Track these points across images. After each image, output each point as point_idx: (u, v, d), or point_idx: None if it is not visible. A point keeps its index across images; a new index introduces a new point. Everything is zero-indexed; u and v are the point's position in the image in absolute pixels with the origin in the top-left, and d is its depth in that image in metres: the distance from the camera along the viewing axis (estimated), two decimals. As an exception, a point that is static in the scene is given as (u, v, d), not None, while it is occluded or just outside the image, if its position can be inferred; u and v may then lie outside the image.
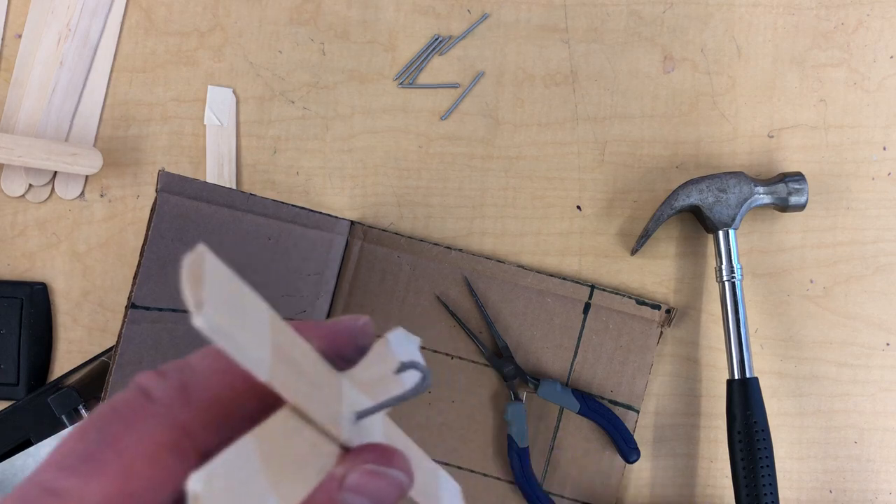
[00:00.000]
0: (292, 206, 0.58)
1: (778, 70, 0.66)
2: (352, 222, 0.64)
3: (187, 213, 0.49)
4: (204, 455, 0.23)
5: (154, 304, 0.47)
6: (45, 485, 0.22)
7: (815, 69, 0.66)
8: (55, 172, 0.65)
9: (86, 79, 0.66)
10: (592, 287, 0.64)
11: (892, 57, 0.66)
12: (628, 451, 0.61)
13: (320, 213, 0.61)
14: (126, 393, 0.24)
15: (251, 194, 0.54)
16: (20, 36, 0.66)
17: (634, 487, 0.64)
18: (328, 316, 0.64)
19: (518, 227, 0.66)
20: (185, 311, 0.50)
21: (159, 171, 0.46)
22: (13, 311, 0.63)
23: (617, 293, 0.64)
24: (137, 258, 0.46)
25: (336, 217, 0.63)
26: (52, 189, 0.65)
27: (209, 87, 0.66)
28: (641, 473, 0.64)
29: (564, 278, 0.64)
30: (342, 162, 0.66)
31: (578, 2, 0.67)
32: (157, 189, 0.46)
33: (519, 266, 0.64)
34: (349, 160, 0.66)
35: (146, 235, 0.46)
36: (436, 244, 0.64)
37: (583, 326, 0.64)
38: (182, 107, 0.66)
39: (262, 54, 0.67)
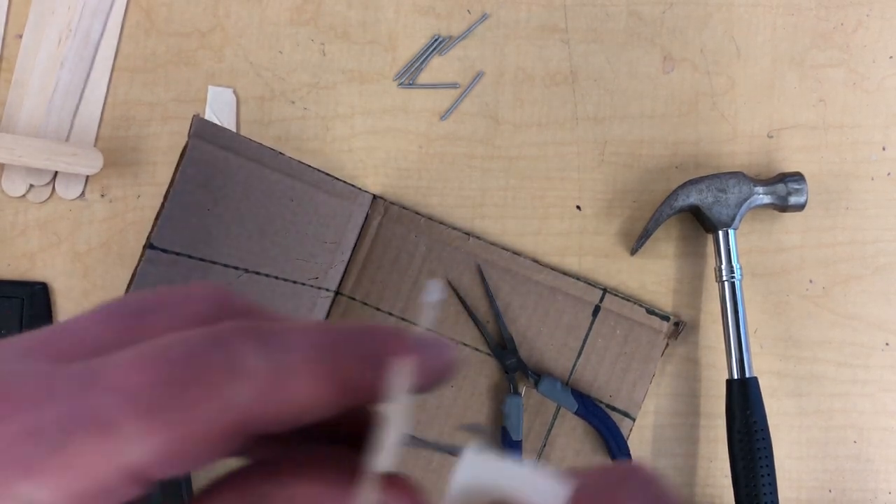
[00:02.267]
0: (318, 170, 0.57)
1: (777, 70, 0.66)
2: (374, 196, 0.64)
3: (216, 162, 0.48)
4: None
5: (171, 247, 0.47)
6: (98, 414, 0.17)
7: (815, 69, 0.66)
8: (56, 172, 0.65)
9: (86, 79, 0.66)
10: (605, 290, 0.64)
11: (891, 57, 0.67)
12: (620, 457, 0.61)
13: (344, 181, 0.61)
14: (200, 338, 0.18)
15: (280, 153, 0.53)
16: (21, 36, 0.66)
17: (634, 487, 0.64)
18: (339, 286, 0.64)
19: (518, 227, 0.66)
20: (201, 259, 0.50)
21: (193, 116, 0.46)
22: (13, 311, 0.63)
23: (628, 300, 0.64)
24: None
25: (359, 189, 0.63)
26: (53, 189, 0.65)
27: (210, 87, 0.66)
28: (641, 473, 0.64)
29: (578, 278, 0.64)
30: (342, 162, 0.66)
31: (578, 2, 0.67)
32: (189, 134, 0.46)
33: (534, 261, 0.64)
34: (349, 160, 0.66)
35: (173, 179, 0.46)
36: (455, 228, 0.64)
37: (590, 328, 0.64)
38: (183, 107, 0.66)
39: (263, 54, 0.67)
